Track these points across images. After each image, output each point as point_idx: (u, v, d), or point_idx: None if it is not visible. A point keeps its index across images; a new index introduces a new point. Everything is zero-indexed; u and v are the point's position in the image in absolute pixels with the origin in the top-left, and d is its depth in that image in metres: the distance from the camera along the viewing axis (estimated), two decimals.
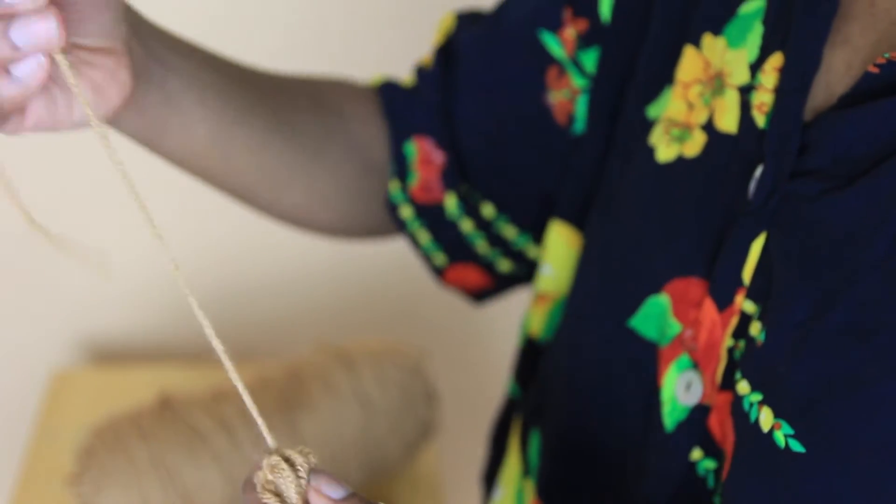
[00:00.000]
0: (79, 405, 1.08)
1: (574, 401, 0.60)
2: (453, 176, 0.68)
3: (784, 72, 0.50)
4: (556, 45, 0.64)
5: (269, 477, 0.44)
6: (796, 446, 0.45)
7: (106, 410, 0.97)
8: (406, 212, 0.70)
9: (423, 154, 0.68)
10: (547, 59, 0.64)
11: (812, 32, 0.49)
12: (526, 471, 0.67)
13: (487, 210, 0.69)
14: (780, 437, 0.46)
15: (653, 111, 0.58)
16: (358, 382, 0.94)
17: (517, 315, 1.21)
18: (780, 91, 0.50)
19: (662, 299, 0.54)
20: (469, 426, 1.22)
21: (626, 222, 0.57)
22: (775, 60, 0.51)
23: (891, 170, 0.44)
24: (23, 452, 1.08)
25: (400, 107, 0.68)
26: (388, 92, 0.69)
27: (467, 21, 0.69)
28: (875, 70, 0.46)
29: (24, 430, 1.14)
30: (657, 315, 0.54)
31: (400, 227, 0.70)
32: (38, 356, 1.19)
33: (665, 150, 0.56)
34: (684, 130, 0.55)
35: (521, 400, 0.71)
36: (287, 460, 0.44)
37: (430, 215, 0.69)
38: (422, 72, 0.69)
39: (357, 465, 0.93)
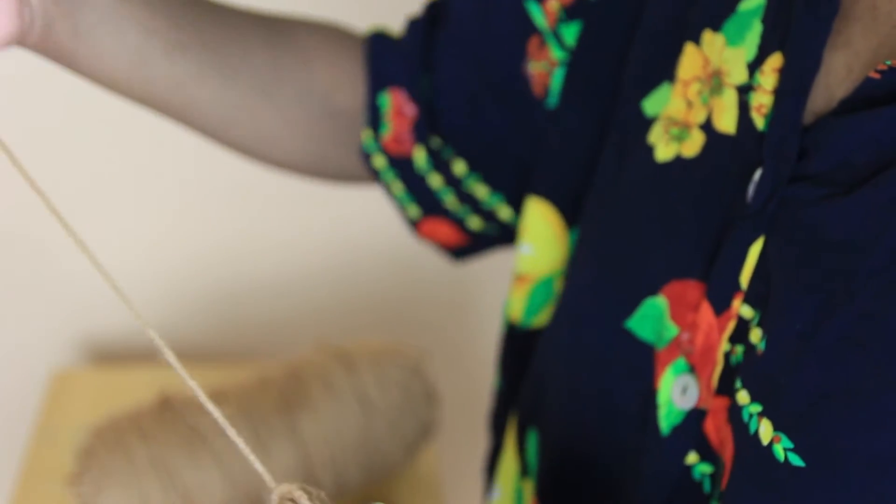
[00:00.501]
0: (79, 405, 1.08)
1: (571, 401, 0.60)
2: (423, 129, 0.68)
3: (783, 73, 0.49)
4: (540, 14, 0.64)
5: None
6: (796, 460, 0.45)
7: (106, 410, 0.97)
8: (379, 161, 0.69)
9: (397, 105, 0.68)
10: (530, 29, 0.64)
11: (812, 33, 0.48)
12: (524, 471, 0.67)
13: (459, 167, 0.69)
14: (779, 450, 0.45)
15: (650, 107, 0.58)
16: (358, 382, 0.94)
17: None
18: (779, 93, 0.49)
19: (660, 301, 0.54)
20: (469, 426, 1.22)
21: (624, 221, 0.57)
22: (774, 61, 0.50)
23: (891, 179, 0.44)
24: (23, 452, 1.08)
25: (380, 57, 0.68)
26: (374, 42, 0.69)
27: None
28: (876, 76, 0.45)
29: (24, 430, 1.14)
30: (654, 317, 0.54)
31: (374, 176, 0.70)
32: (38, 356, 1.19)
33: (664, 149, 0.55)
34: (683, 129, 0.54)
35: (505, 390, 0.71)
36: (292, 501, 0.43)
37: (402, 166, 0.69)
38: (411, 23, 0.69)
39: (357, 465, 0.93)
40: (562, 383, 0.61)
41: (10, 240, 1.14)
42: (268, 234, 1.20)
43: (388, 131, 0.68)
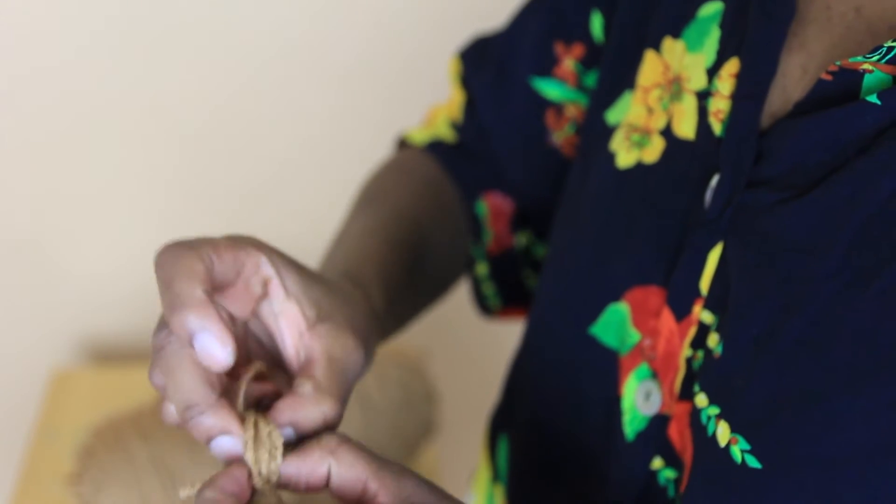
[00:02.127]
0: (79, 405, 1.08)
1: (539, 408, 0.60)
2: (519, 219, 0.70)
3: (739, 78, 0.49)
4: (552, 87, 0.65)
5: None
6: (752, 462, 0.45)
7: (106, 410, 0.97)
8: (482, 269, 0.72)
9: (494, 209, 0.70)
10: (543, 104, 0.65)
11: (768, 38, 0.48)
12: (495, 476, 0.67)
13: (527, 236, 0.71)
14: (736, 451, 0.45)
15: (612, 116, 0.58)
16: (358, 382, 0.95)
17: None
18: (735, 98, 0.49)
19: (622, 307, 0.54)
20: (469, 426, 1.22)
21: (587, 228, 0.57)
22: (731, 66, 0.50)
23: (843, 179, 0.44)
24: (23, 452, 1.08)
25: (458, 168, 0.70)
26: (441, 154, 0.70)
27: (473, 62, 0.69)
28: (828, 77, 0.45)
29: (24, 430, 1.14)
30: (617, 323, 0.54)
31: (473, 279, 0.73)
32: (38, 356, 1.19)
33: (625, 155, 0.55)
34: (644, 136, 0.54)
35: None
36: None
37: (500, 267, 0.71)
38: (459, 128, 0.71)
39: None
40: (531, 389, 0.61)
41: (10, 241, 1.14)
42: (268, 235, 1.20)
43: (490, 237, 0.70)
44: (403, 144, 0.73)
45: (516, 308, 0.74)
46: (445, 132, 0.71)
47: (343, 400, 0.46)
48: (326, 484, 0.42)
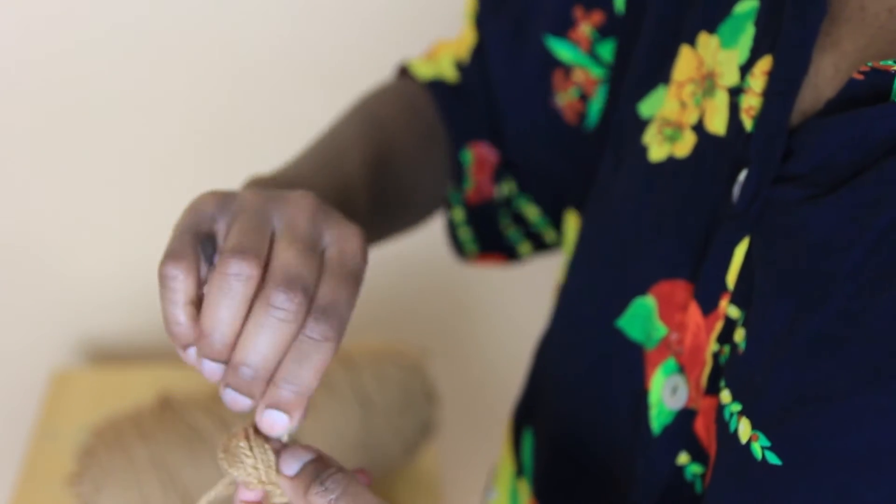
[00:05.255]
0: (79, 405, 1.08)
1: (565, 401, 0.60)
2: (502, 171, 0.71)
3: (772, 76, 0.49)
4: (564, 48, 0.65)
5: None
6: (773, 459, 0.45)
7: (106, 410, 0.97)
8: (458, 215, 0.72)
9: (479, 159, 0.70)
10: (552, 63, 0.65)
11: (800, 37, 0.48)
12: (520, 471, 0.67)
13: (509, 186, 0.71)
14: (757, 448, 0.46)
15: (645, 109, 0.58)
16: (358, 382, 0.95)
17: (517, 315, 1.21)
18: (767, 95, 0.49)
19: (648, 301, 0.54)
20: (469, 426, 1.22)
21: (617, 220, 0.57)
22: (764, 64, 0.50)
23: (870, 179, 0.44)
24: (23, 452, 1.08)
25: (453, 112, 0.70)
26: (439, 94, 0.71)
27: (491, 6, 0.69)
28: (860, 77, 0.45)
29: (24, 430, 1.14)
30: (643, 317, 0.54)
31: (448, 222, 0.73)
32: (38, 356, 1.19)
33: (657, 149, 0.56)
34: (676, 130, 0.55)
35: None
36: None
37: (478, 215, 0.72)
38: (464, 69, 0.70)
39: (357, 465, 0.93)
40: (557, 383, 0.61)
41: (10, 241, 1.14)
42: None
43: (471, 185, 0.71)
44: (404, 73, 0.74)
45: (493, 255, 0.74)
46: (448, 71, 0.71)
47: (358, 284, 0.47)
48: None
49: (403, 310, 1.25)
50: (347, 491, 0.43)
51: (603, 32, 0.63)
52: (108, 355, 1.22)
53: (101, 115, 1.09)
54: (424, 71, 0.71)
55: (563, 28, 0.64)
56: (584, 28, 0.64)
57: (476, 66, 0.69)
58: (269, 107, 1.12)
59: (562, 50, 0.65)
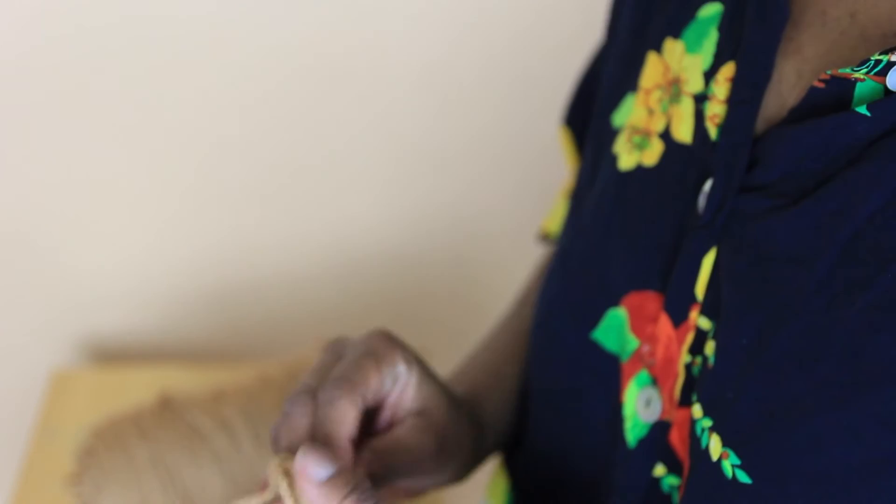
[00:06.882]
0: (79, 405, 1.08)
1: (547, 413, 0.59)
2: None
3: (735, 83, 0.48)
4: None
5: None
6: (743, 477, 0.44)
7: (106, 410, 0.97)
8: None
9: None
10: None
11: (762, 43, 0.48)
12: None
13: None
14: (727, 466, 0.45)
15: (617, 119, 0.57)
16: None
17: None
18: (731, 103, 0.48)
19: (621, 312, 0.53)
20: None
21: (588, 231, 0.57)
22: (727, 70, 0.49)
23: (832, 192, 0.43)
24: (23, 452, 1.08)
25: None
26: None
27: (582, 126, 0.68)
28: (820, 85, 0.45)
29: (24, 430, 1.14)
30: (617, 328, 0.53)
31: None
32: (38, 356, 1.19)
33: (626, 157, 0.55)
34: (644, 138, 0.54)
35: None
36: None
37: None
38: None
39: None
40: (538, 394, 0.60)
41: (9, 240, 1.14)
42: (268, 234, 1.20)
43: None
44: (545, 238, 0.72)
45: None
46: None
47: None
48: None
49: (403, 309, 1.25)
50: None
51: None
52: (108, 355, 1.22)
53: (103, 112, 1.09)
54: (555, 228, 0.70)
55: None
56: None
57: None
58: (273, 106, 1.12)
59: None
